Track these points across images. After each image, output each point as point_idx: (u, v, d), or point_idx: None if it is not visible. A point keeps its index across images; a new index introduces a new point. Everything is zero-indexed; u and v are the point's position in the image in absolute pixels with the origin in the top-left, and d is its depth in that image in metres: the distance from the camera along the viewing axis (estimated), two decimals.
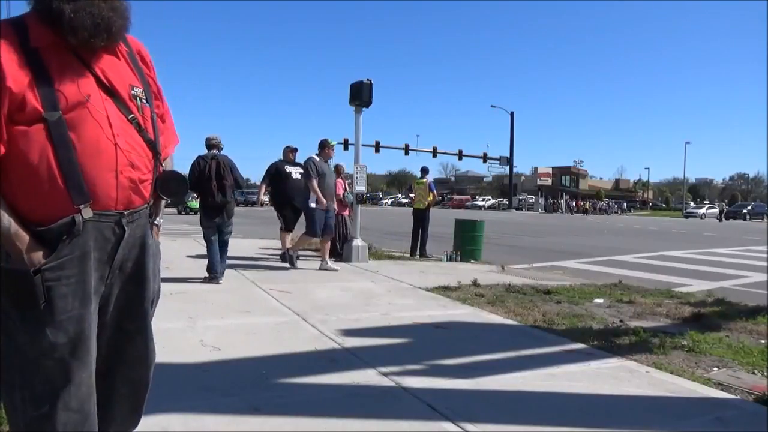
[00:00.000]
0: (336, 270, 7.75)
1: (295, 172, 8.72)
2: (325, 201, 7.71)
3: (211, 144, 6.73)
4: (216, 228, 6.61)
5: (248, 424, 2.60)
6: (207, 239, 6.59)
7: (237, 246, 10.86)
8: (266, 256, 9.33)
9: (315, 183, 7.67)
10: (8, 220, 1.44)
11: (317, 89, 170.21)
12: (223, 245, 6.66)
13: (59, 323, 1.49)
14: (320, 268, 7.79)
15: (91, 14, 1.48)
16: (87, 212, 1.50)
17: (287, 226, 8.76)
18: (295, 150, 9.11)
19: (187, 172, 6.58)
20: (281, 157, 9.04)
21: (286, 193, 8.68)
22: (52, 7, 1.45)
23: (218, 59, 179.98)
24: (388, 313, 5.10)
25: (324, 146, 8.14)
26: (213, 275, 6.42)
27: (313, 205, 7.69)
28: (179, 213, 28.96)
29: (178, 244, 11.12)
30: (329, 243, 8.12)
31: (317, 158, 7.94)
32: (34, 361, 1.50)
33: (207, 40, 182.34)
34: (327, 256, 7.95)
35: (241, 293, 5.90)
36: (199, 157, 6.67)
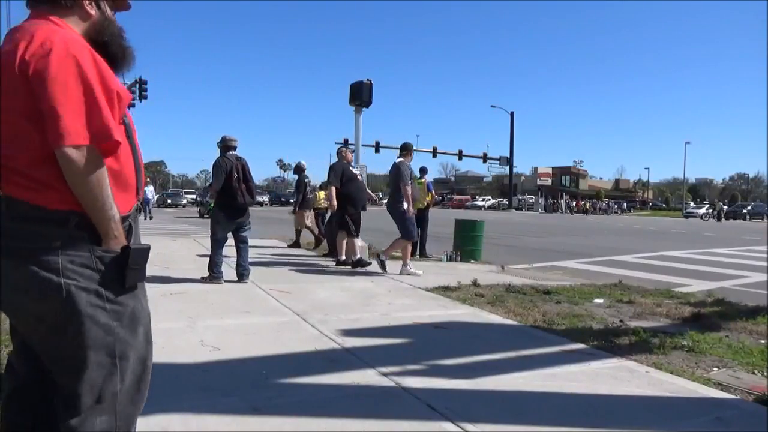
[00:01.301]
0: (419, 274, 7.46)
1: (359, 174, 8.72)
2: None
3: (233, 145, 6.69)
4: (233, 228, 6.62)
5: (248, 424, 2.60)
6: (218, 239, 6.55)
7: None
8: (267, 256, 9.33)
9: (410, 188, 7.60)
10: (116, 208, 1.55)
11: (317, 89, 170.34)
12: (245, 243, 6.67)
13: (145, 302, 1.70)
14: (401, 273, 7.45)
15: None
16: (136, 204, 1.74)
17: (357, 231, 8.54)
18: (353, 151, 8.98)
19: (213, 171, 6.62)
20: (338, 158, 8.76)
21: (356, 196, 8.46)
22: (124, 48, 1.73)
23: (216, 58, 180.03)
24: (388, 313, 5.10)
25: (410, 149, 8.08)
26: (215, 275, 6.42)
27: (406, 207, 7.58)
28: (202, 216, 27.48)
29: (178, 244, 11.13)
30: (411, 246, 7.93)
31: (406, 162, 7.86)
32: (137, 342, 1.64)
33: (205, 39, 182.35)
34: (408, 259, 7.68)
35: (241, 293, 5.90)
36: (223, 157, 6.59)
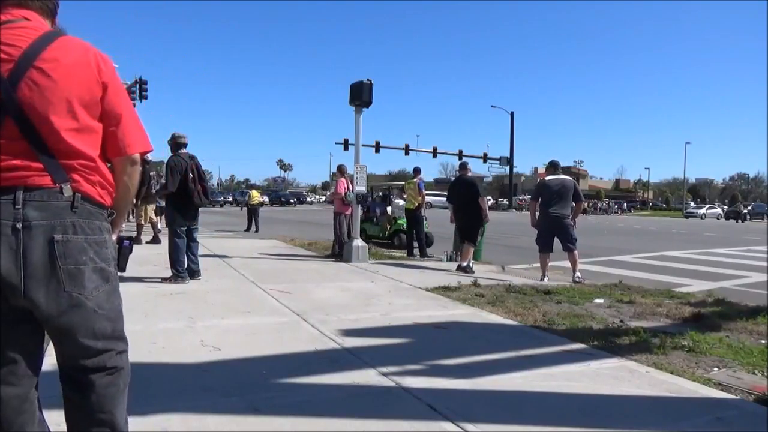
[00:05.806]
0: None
1: None
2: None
3: (183, 142, 6.63)
4: (187, 228, 6.63)
5: (248, 424, 2.60)
6: (178, 239, 6.47)
7: (237, 246, 10.87)
8: (267, 256, 9.33)
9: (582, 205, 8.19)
10: None
11: (317, 89, 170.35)
12: (196, 243, 6.77)
13: None
14: (573, 281, 7.59)
15: None
16: None
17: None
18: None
19: (167, 171, 6.53)
20: (462, 171, 9.25)
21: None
22: None
23: (216, 58, 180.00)
24: (388, 313, 5.10)
25: (557, 167, 8.41)
26: (180, 275, 6.38)
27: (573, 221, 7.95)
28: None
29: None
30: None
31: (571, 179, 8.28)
32: None
33: (205, 39, 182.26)
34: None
35: (241, 293, 5.90)
36: (176, 156, 6.52)
